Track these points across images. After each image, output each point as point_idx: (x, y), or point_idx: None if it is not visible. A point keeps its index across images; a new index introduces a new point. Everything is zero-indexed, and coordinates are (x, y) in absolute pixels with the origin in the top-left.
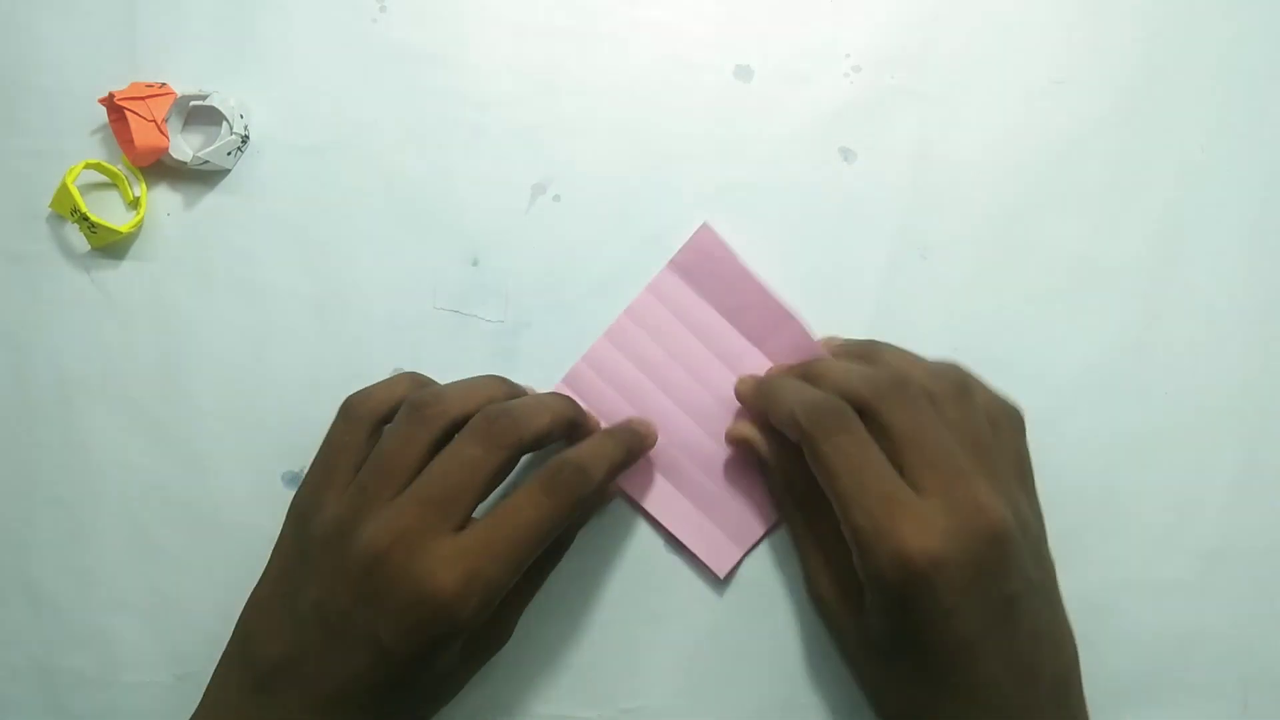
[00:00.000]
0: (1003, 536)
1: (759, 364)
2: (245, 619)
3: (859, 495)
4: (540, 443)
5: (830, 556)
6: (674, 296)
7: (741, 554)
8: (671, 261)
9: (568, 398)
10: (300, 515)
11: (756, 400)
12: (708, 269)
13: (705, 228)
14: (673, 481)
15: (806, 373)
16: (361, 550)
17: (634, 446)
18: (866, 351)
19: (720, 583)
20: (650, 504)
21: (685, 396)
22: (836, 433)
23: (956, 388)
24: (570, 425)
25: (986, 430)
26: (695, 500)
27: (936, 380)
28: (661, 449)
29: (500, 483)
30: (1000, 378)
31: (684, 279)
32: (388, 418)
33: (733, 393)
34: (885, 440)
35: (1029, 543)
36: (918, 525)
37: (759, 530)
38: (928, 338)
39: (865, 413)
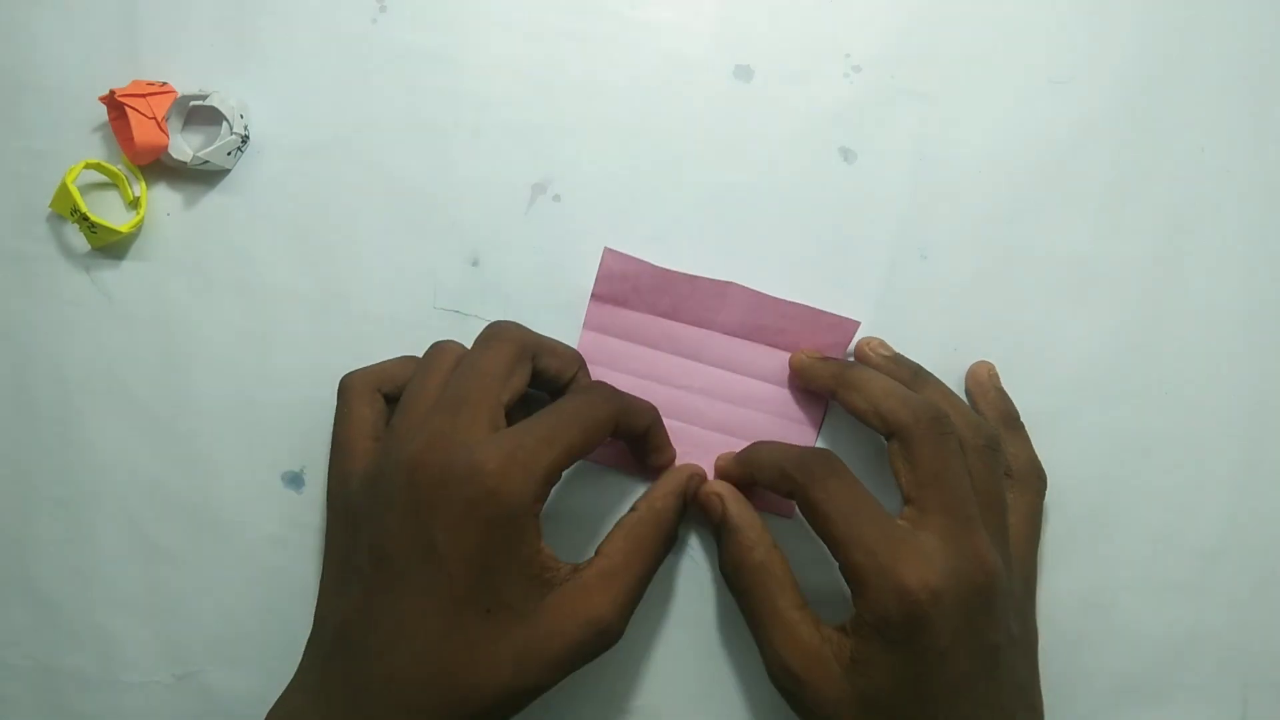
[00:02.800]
0: (993, 586)
1: (721, 345)
2: (317, 605)
3: (858, 534)
4: (544, 348)
5: (791, 629)
6: (611, 323)
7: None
8: (593, 296)
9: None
10: (336, 494)
11: (740, 469)
12: (629, 286)
13: (607, 250)
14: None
15: (846, 376)
16: (398, 469)
17: (659, 430)
18: (913, 375)
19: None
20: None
21: (668, 404)
22: (827, 478)
23: (988, 443)
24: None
25: (1003, 491)
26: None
27: (971, 429)
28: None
29: (520, 386)
30: (1000, 378)
31: (613, 304)
32: (386, 387)
33: (711, 383)
34: (910, 469)
35: (1016, 601)
36: (919, 560)
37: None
38: (928, 338)
39: (896, 436)
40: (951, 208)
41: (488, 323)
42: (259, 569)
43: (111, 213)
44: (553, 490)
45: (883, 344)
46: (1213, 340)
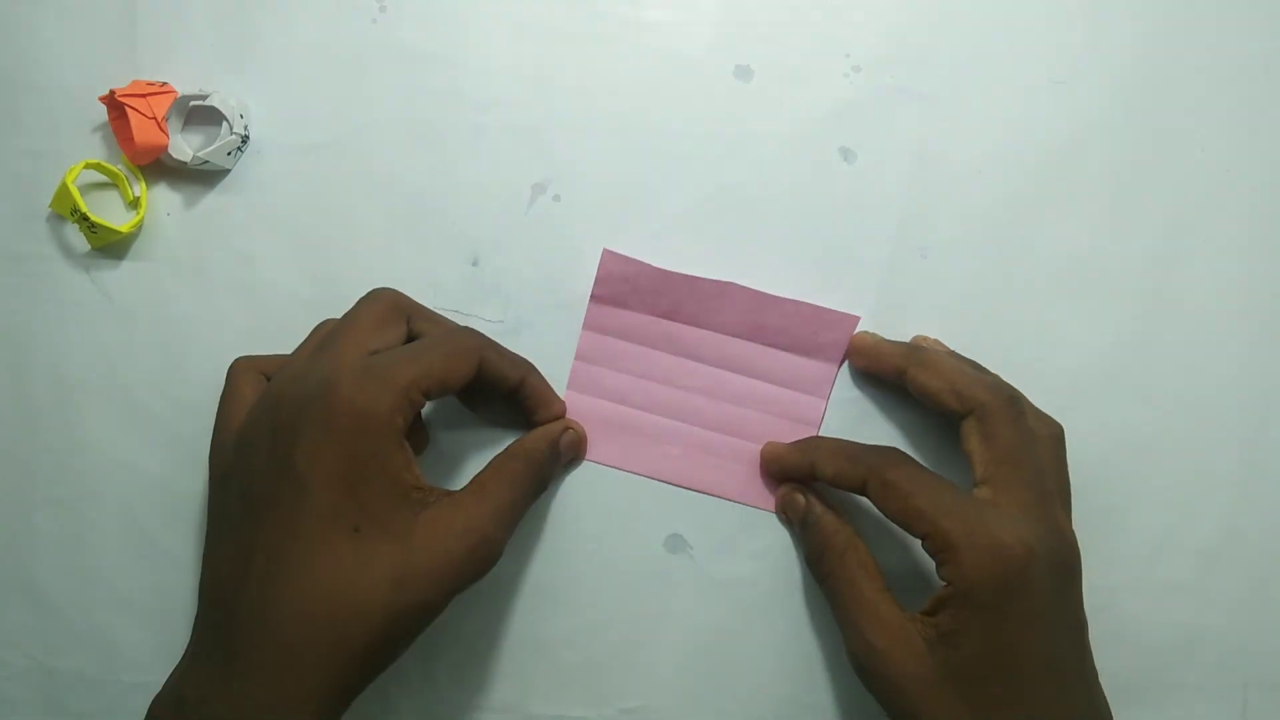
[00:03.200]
0: (1077, 560)
1: (721, 345)
2: (199, 587)
3: (942, 505)
4: (420, 314)
5: (874, 607)
6: (611, 324)
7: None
8: (592, 297)
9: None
10: (214, 467)
11: (800, 457)
12: (628, 287)
13: (606, 251)
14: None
15: (917, 355)
16: (263, 412)
17: (537, 382)
18: (974, 366)
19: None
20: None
21: (668, 404)
22: (899, 464)
23: (1054, 434)
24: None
25: (1068, 482)
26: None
27: (1039, 419)
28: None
29: (393, 340)
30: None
31: (612, 305)
32: (270, 371)
33: (711, 383)
34: (987, 447)
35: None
36: (1009, 523)
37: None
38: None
39: (974, 413)
40: (951, 208)
41: (487, 322)
42: None
43: (111, 213)
44: (428, 425)
45: (939, 343)
46: (1213, 340)
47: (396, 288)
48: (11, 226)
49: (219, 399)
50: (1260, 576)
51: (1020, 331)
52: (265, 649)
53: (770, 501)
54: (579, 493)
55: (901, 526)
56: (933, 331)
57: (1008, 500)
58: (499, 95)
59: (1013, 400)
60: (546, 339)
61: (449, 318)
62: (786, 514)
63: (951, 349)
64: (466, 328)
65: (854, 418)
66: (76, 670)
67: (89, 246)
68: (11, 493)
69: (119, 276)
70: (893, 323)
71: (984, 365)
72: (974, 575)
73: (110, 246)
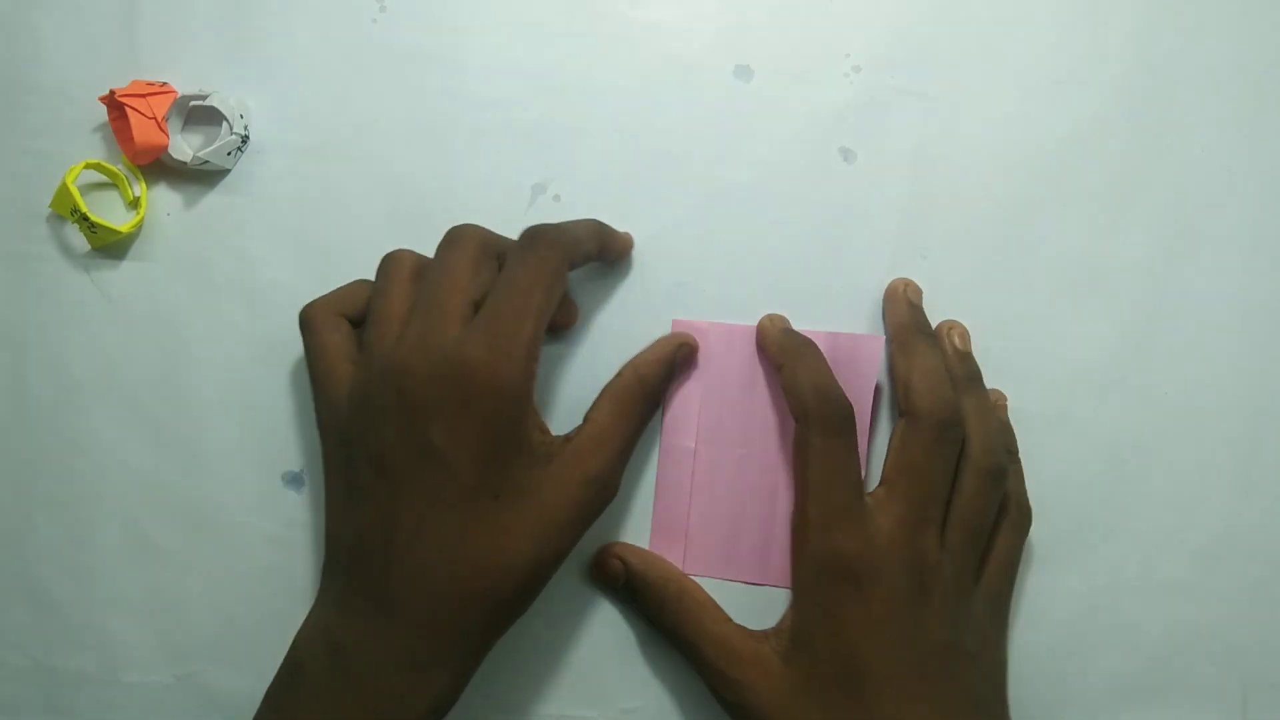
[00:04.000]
0: (930, 578)
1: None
2: (327, 528)
3: (824, 495)
4: (506, 245)
5: (723, 641)
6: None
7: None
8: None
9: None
10: (328, 425)
11: (775, 351)
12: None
13: (676, 324)
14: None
15: (908, 341)
16: (385, 381)
17: (609, 238)
18: (966, 377)
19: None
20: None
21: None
22: (832, 435)
23: (992, 471)
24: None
25: (986, 519)
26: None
27: (983, 451)
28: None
29: (488, 283)
30: (1000, 378)
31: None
32: (349, 311)
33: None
34: (900, 452)
35: (975, 619)
36: (860, 534)
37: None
38: None
39: (907, 415)
40: (951, 208)
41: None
42: (259, 569)
43: (111, 213)
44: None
45: (964, 338)
46: (1213, 340)
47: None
48: (11, 226)
49: (305, 352)
50: (1260, 576)
51: (1020, 331)
52: (419, 607)
53: (739, 571)
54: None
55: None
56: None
57: (888, 510)
58: (499, 95)
59: (945, 424)
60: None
61: None
62: (604, 584)
63: (967, 351)
64: (538, 233)
65: None
66: (76, 670)
67: (89, 246)
68: (11, 493)
69: (119, 276)
70: None
71: (983, 384)
72: (812, 565)
73: (110, 246)
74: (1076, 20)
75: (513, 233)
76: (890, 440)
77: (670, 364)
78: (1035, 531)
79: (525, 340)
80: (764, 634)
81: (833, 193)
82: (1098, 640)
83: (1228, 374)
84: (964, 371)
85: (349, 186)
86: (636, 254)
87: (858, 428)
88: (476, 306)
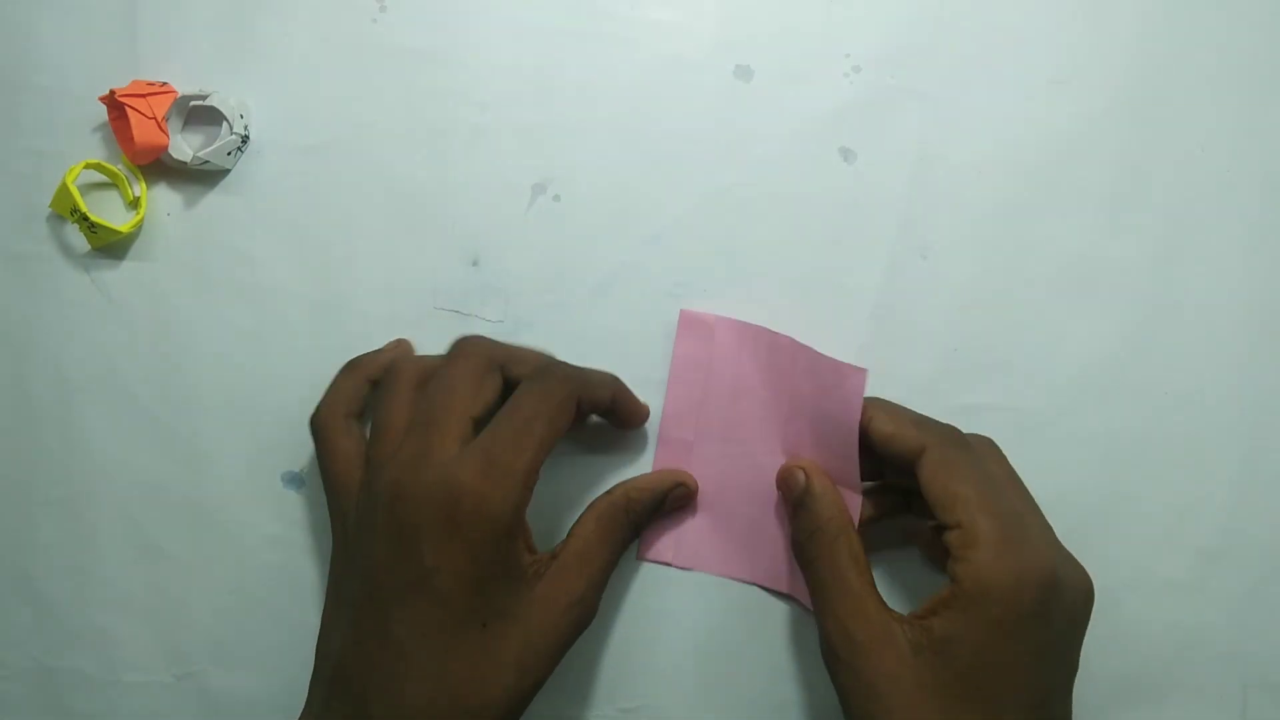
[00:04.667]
0: (1090, 606)
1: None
2: (318, 640)
3: (987, 500)
4: (513, 359)
5: (860, 600)
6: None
7: (675, 565)
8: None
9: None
10: (337, 532)
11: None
12: (707, 348)
13: (684, 313)
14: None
15: (876, 403)
16: (378, 498)
17: (624, 396)
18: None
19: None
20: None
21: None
22: (962, 445)
23: (1088, 601)
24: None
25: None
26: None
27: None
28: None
29: (490, 399)
30: (1000, 378)
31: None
32: (354, 408)
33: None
34: (954, 481)
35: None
36: (1042, 544)
37: (717, 568)
38: (928, 338)
39: (926, 451)
40: (951, 208)
41: (487, 322)
42: (259, 569)
43: (111, 213)
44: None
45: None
46: (1213, 340)
47: (397, 289)
48: (11, 226)
49: (318, 457)
50: (1260, 576)
51: (1020, 331)
52: None
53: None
54: (579, 492)
55: (935, 507)
56: (933, 331)
57: (1025, 524)
58: (499, 95)
59: (961, 442)
60: (546, 339)
61: (452, 318)
62: (783, 490)
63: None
64: (552, 368)
65: None
66: (76, 670)
67: (89, 246)
68: (11, 493)
69: (119, 276)
70: (893, 323)
71: (969, 385)
72: (991, 580)
73: (110, 246)
74: (1076, 20)
75: (513, 233)
76: (927, 486)
77: (661, 498)
78: None
79: (521, 470)
80: (901, 616)
81: (833, 193)
82: (1098, 640)
83: (1228, 374)
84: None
85: (349, 186)
86: (637, 254)
87: (848, 461)
88: (478, 423)
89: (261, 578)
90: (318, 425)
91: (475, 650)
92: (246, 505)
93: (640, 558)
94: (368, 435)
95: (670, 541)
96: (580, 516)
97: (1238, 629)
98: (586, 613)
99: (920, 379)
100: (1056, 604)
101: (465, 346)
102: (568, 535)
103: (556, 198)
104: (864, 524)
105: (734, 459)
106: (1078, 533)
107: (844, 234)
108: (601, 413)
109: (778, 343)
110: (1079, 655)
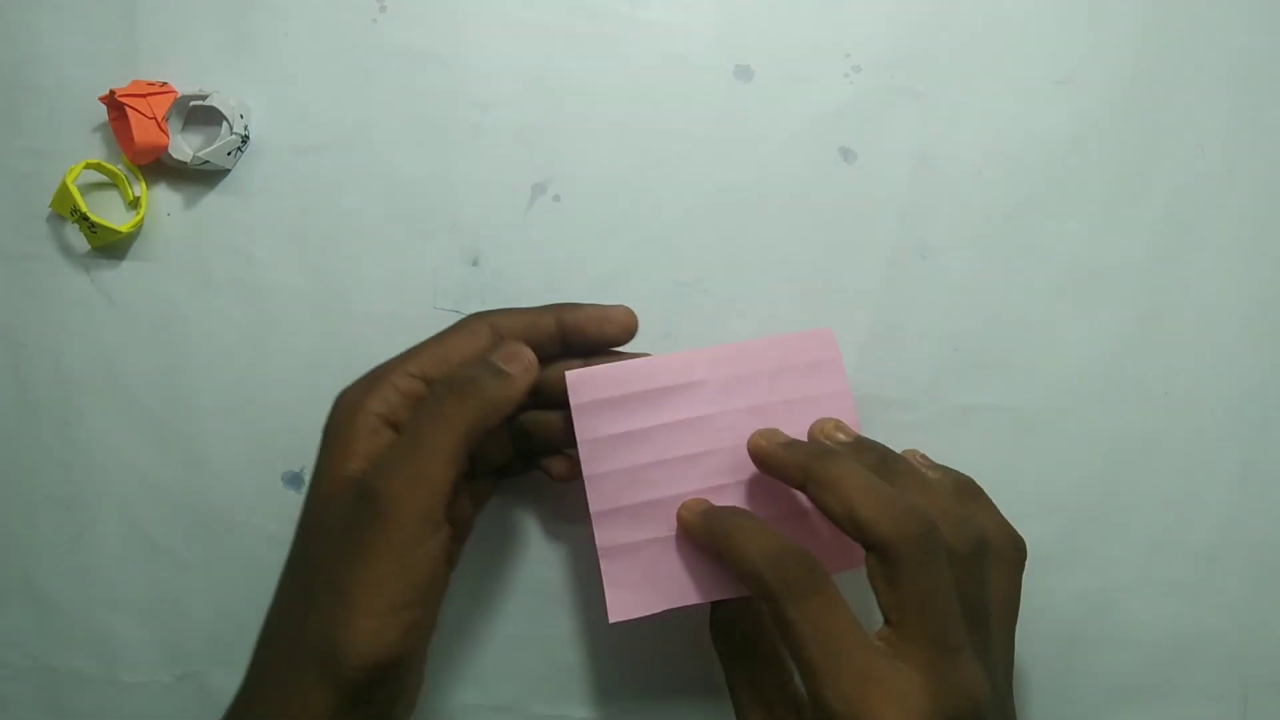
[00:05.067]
0: (980, 716)
1: (730, 422)
2: None
3: (832, 670)
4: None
5: (771, 712)
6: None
7: (647, 613)
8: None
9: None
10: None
11: (707, 537)
12: (606, 403)
13: (570, 376)
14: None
15: (814, 470)
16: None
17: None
18: (881, 461)
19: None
20: (599, 519)
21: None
22: (808, 595)
23: (975, 545)
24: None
25: (988, 598)
26: (643, 535)
27: (956, 530)
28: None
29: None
30: (1000, 378)
31: (600, 426)
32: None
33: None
34: (890, 589)
35: (1001, 713)
36: (896, 706)
37: (684, 598)
38: (928, 338)
39: (877, 550)
40: (951, 208)
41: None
42: (259, 569)
43: (111, 213)
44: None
45: (840, 426)
46: (1213, 340)
47: (397, 289)
48: (11, 226)
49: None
50: (1260, 576)
51: (1020, 331)
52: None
53: (835, 559)
54: (578, 492)
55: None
56: (933, 332)
57: (911, 656)
58: (499, 95)
59: (924, 536)
60: None
61: (452, 318)
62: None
63: (858, 438)
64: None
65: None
66: (76, 670)
67: (89, 246)
68: (11, 493)
69: (119, 276)
70: (893, 323)
71: (894, 452)
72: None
73: (110, 246)
74: (1076, 20)
75: (513, 233)
76: (870, 581)
77: (483, 357)
78: (1035, 532)
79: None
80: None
81: (833, 193)
82: (1098, 640)
83: (1227, 374)
84: (875, 458)
85: (349, 186)
86: (637, 254)
87: (847, 421)
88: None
89: (262, 578)
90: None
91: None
92: (246, 505)
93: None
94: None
95: (635, 595)
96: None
97: (1238, 629)
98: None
99: (920, 379)
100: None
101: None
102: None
103: (556, 198)
104: None
105: (646, 491)
106: (1078, 533)
107: (844, 234)
108: (574, 352)
109: (719, 354)
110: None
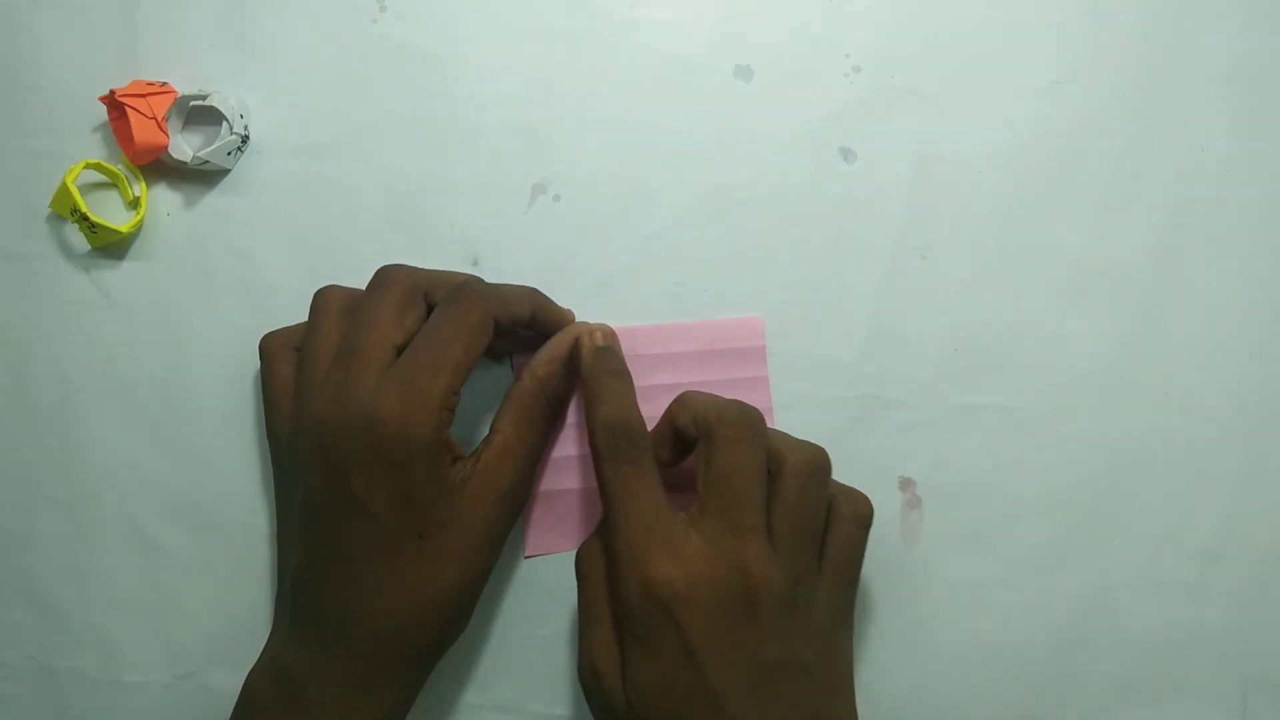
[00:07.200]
0: (757, 596)
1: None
2: (277, 559)
3: (625, 523)
4: (435, 282)
5: (601, 627)
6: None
7: (557, 551)
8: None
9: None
10: (273, 452)
11: (585, 380)
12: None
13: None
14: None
15: (681, 397)
16: (307, 430)
17: (544, 308)
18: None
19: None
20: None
21: None
22: (624, 462)
23: (813, 467)
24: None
25: (819, 517)
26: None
27: (795, 451)
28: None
29: (413, 327)
30: (1000, 378)
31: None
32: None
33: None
34: (704, 469)
35: (815, 628)
36: (670, 559)
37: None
38: (928, 338)
39: (703, 434)
40: (951, 208)
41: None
42: (259, 568)
43: (111, 213)
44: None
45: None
46: (1213, 340)
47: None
48: (11, 226)
49: (261, 380)
50: (1260, 576)
51: (1020, 331)
52: (358, 639)
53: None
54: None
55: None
56: (933, 331)
57: (701, 526)
58: (499, 95)
59: (742, 425)
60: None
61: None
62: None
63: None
64: (466, 288)
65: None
66: (76, 670)
67: (89, 246)
68: (11, 493)
69: (119, 276)
70: (893, 323)
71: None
72: (625, 603)
73: (110, 246)
74: (1076, 20)
75: (513, 233)
76: (696, 468)
77: (565, 361)
78: (1036, 532)
79: (438, 394)
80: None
81: (833, 193)
82: (1098, 640)
83: (1228, 374)
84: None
85: (349, 186)
86: (637, 254)
87: (761, 409)
88: (401, 350)
89: (262, 577)
90: (263, 348)
91: (417, 558)
92: (246, 505)
93: (528, 555)
94: None
95: (549, 535)
96: (499, 409)
97: (1238, 629)
98: (518, 500)
99: (920, 379)
100: (693, 614)
101: (387, 275)
102: (490, 431)
103: (556, 198)
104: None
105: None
106: (1078, 533)
107: (844, 234)
108: (523, 326)
109: (656, 332)
110: (771, 648)
